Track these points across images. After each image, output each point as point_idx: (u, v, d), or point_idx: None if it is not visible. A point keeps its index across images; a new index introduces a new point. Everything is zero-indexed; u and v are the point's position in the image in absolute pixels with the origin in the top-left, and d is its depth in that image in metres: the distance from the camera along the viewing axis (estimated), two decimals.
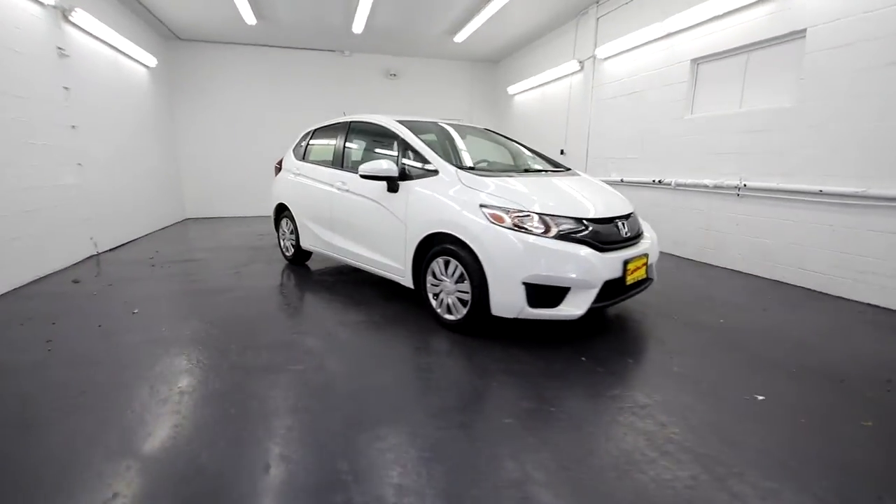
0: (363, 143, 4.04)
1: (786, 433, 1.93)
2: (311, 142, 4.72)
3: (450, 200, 2.91)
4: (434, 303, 3.11)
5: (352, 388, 2.28)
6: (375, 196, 3.48)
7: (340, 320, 3.24)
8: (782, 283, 4.28)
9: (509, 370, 2.48)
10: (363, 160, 3.99)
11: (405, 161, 3.37)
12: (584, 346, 2.81)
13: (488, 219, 2.69)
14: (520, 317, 2.65)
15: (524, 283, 2.58)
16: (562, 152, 7.88)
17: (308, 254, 4.84)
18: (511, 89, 9.33)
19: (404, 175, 3.28)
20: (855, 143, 3.66)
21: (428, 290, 3.14)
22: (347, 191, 3.80)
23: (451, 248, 2.88)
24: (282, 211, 4.97)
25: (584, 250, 2.62)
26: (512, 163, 3.93)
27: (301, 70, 9.09)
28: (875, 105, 3.51)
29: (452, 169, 3.04)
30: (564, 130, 7.75)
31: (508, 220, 2.65)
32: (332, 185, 4.01)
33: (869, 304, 3.61)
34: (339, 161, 4.07)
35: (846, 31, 3.67)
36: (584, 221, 2.73)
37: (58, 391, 2.21)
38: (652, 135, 5.82)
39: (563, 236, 2.64)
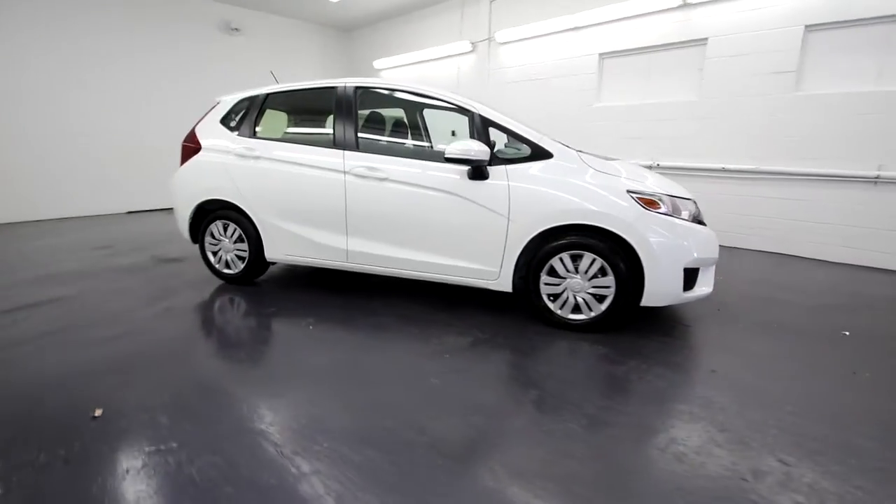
0: (395, 119, 3.13)
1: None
2: (266, 112, 3.38)
3: (589, 187, 2.58)
4: (551, 305, 2.75)
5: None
6: (447, 186, 2.78)
7: (443, 345, 2.53)
8: None
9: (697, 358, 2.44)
10: (399, 139, 3.11)
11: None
12: (688, 322, 2.98)
13: (641, 206, 2.51)
14: (675, 303, 2.61)
15: (684, 269, 2.54)
16: (453, 133, 7.82)
17: (265, 268, 3.52)
18: (378, 64, 8.64)
19: (492, 159, 2.73)
20: (748, 132, 4.86)
21: (542, 290, 2.74)
22: (385, 179, 2.91)
23: (585, 241, 2.57)
24: (207, 212, 3.46)
25: (708, 229, 2.75)
26: None
27: (92, 10, 6.25)
28: (763, 103, 4.73)
29: (573, 152, 2.68)
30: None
31: (663, 206, 2.54)
32: (343, 173, 2.99)
33: (761, 251, 4.95)
34: (353, 141, 3.05)
35: (740, 43, 4.78)
36: (693, 202, 2.85)
37: None
38: (560, 119, 6.36)
39: (694, 218, 2.70)
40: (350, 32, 9.22)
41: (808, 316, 3.09)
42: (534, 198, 2.64)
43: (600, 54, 5.84)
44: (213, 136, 3.43)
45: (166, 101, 7.01)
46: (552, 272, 2.69)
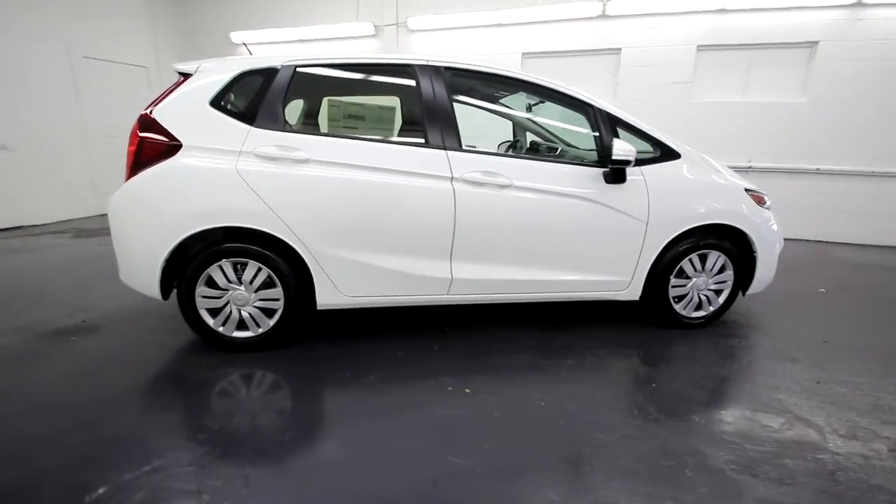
0: (497, 112, 2.53)
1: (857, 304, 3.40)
2: (295, 93, 2.30)
3: (718, 187, 2.62)
4: (677, 306, 2.71)
5: None
6: (582, 191, 2.43)
7: (625, 374, 2.23)
8: None
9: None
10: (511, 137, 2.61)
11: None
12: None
13: (756, 203, 2.68)
14: (765, 287, 2.88)
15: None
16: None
17: (302, 322, 2.43)
18: (238, 37, 6.93)
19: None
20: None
21: (670, 293, 2.68)
22: (507, 186, 2.34)
23: (713, 240, 2.62)
24: (195, 250, 2.19)
25: None
26: None
27: None
28: (665, 108, 5.64)
29: (695, 152, 2.66)
30: None
31: (767, 202, 2.76)
32: (450, 179, 2.29)
33: None
34: (455, 138, 2.33)
35: (648, 55, 5.57)
36: None
37: None
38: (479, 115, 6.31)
39: None
40: None
41: (784, 281, 3.87)
42: (674, 200, 2.55)
43: (523, 53, 6.00)
44: (205, 127, 2.16)
45: None
46: (679, 274, 2.66)
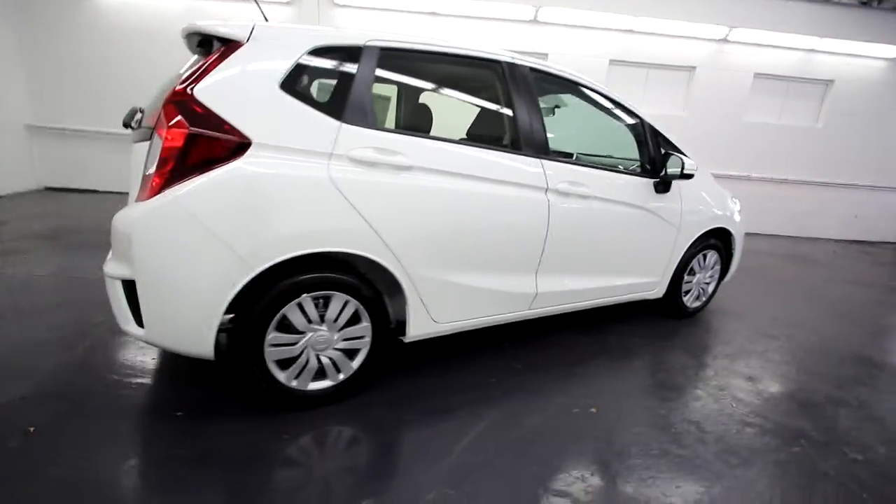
0: (568, 117, 2.42)
1: (770, 281, 4.39)
2: (377, 82, 1.85)
3: (721, 196, 3.03)
4: (685, 299, 3.09)
5: None
6: (640, 200, 2.57)
7: (666, 370, 2.48)
8: None
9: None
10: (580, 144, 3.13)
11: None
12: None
13: (735, 205, 3.19)
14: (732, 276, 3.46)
15: None
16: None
17: (378, 362, 2.01)
18: None
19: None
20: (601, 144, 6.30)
21: (682, 289, 3.03)
22: (589, 197, 2.31)
23: (714, 241, 3.05)
24: (263, 285, 1.65)
25: None
26: None
27: None
28: (598, 119, 6.21)
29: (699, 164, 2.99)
30: None
31: (739, 205, 3.29)
32: (545, 190, 2.16)
33: None
34: (544, 145, 2.18)
35: (570, 63, 5.98)
36: None
37: None
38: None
39: None
40: None
41: None
42: (697, 207, 2.87)
43: None
44: (279, 119, 1.59)
45: None
46: (692, 271, 3.03)
